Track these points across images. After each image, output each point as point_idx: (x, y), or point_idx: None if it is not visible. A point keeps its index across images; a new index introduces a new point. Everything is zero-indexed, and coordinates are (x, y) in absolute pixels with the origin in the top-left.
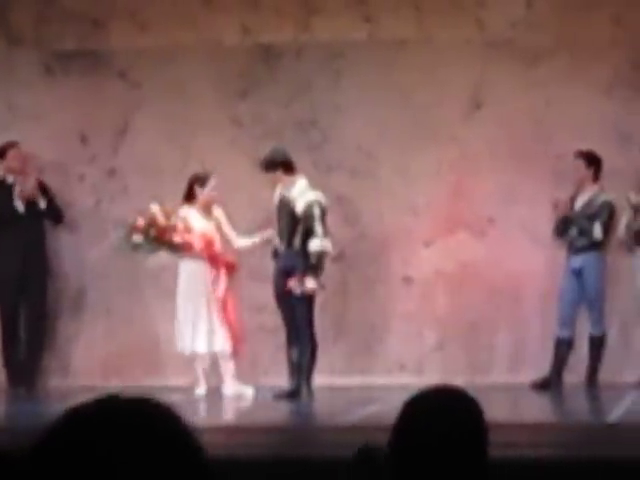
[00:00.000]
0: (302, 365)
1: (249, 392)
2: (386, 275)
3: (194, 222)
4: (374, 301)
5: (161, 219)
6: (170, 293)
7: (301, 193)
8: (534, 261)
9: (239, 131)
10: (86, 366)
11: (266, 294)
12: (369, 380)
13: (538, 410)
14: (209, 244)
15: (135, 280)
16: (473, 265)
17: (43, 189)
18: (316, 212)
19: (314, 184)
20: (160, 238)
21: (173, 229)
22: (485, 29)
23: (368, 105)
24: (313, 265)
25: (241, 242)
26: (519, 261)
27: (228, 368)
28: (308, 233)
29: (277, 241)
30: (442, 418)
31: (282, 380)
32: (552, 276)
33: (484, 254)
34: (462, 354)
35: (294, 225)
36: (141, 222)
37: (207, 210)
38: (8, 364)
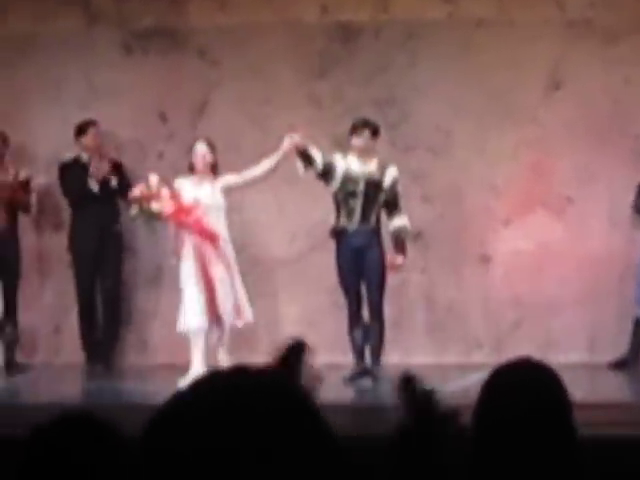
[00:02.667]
0: (382, 345)
1: None
2: (464, 254)
3: (185, 190)
4: (452, 280)
5: (150, 188)
6: (247, 268)
7: (383, 167)
8: (612, 240)
9: (318, 110)
10: (164, 343)
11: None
12: (446, 359)
13: (615, 390)
14: (180, 211)
15: None
16: (551, 244)
17: (117, 168)
18: (400, 188)
19: (393, 163)
20: (143, 207)
21: (156, 196)
22: (564, 9)
23: (446, 84)
24: (403, 242)
25: (258, 168)
26: (597, 240)
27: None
28: (388, 209)
29: (342, 219)
30: (526, 390)
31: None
32: (630, 256)
33: (562, 233)
34: (540, 333)
35: (375, 200)
36: (137, 193)
37: (206, 178)
38: (86, 341)
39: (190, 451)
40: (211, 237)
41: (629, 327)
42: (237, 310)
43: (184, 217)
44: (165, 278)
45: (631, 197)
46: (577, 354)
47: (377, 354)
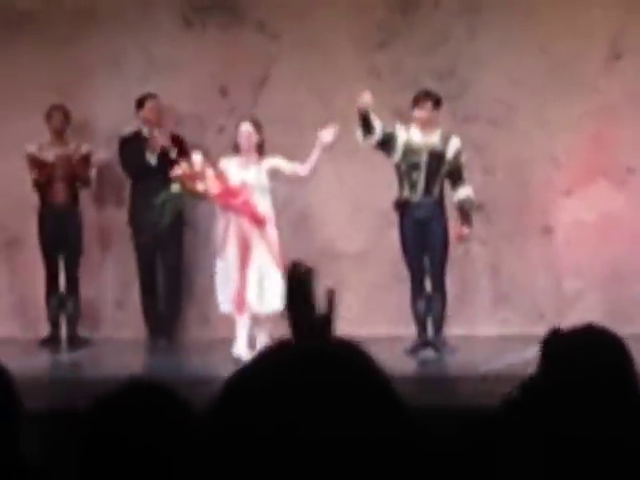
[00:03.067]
0: (444, 316)
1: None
2: (526, 225)
3: (231, 170)
4: (514, 251)
5: (194, 168)
6: (306, 238)
7: (446, 138)
8: None
9: (377, 82)
10: (225, 317)
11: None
12: (509, 330)
13: None
14: (227, 193)
15: None
16: (613, 215)
17: (177, 141)
18: (464, 159)
19: (455, 134)
20: (186, 186)
21: (200, 176)
22: None
23: (507, 55)
24: (468, 213)
25: (306, 165)
26: None
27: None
28: (452, 180)
29: (405, 191)
30: (590, 356)
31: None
32: None
33: (624, 204)
34: (603, 305)
35: (438, 171)
36: (179, 172)
37: (252, 159)
38: (148, 316)
39: (259, 424)
40: (259, 220)
41: None
42: (261, 298)
43: (231, 199)
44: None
45: None
46: None
47: (439, 325)
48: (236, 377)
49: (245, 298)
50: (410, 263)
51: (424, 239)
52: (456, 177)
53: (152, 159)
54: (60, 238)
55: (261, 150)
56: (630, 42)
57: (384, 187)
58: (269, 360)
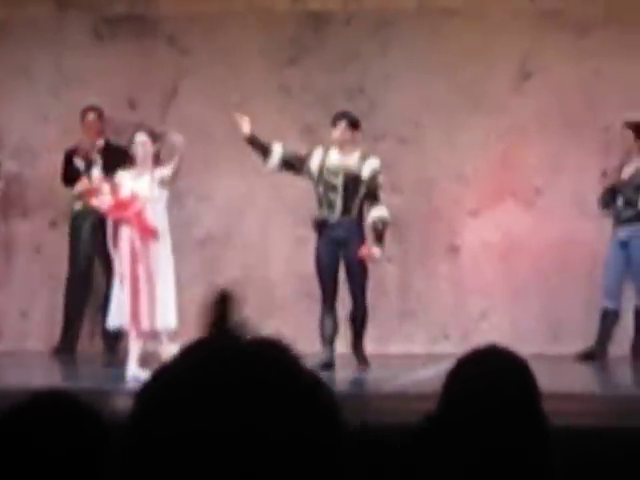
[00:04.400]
0: (363, 333)
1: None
2: (433, 244)
3: (125, 182)
4: (420, 270)
5: (92, 183)
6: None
7: (363, 159)
8: (581, 231)
9: (287, 98)
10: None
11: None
12: (414, 348)
13: (582, 381)
14: (118, 206)
15: None
16: (520, 235)
17: (106, 149)
18: (381, 179)
19: (372, 155)
20: (87, 201)
21: (96, 191)
22: (535, 0)
23: (417, 74)
24: (381, 233)
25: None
26: (566, 231)
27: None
28: (368, 201)
29: (323, 211)
30: (494, 378)
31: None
32: (599, 246)
33: (531, 224)
34: (507, 324)
35: (355, 192)
36: (80, 188)
37: (146, 169)
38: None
39: (177, 433)
40: (150, 232)
41: (597, 318)
42: (152, 315)
43: (122, 211)
44: None
45: (599, 188)
46: (544, 345)
47: (359, 343)
48: (152, 381)
49: (138, 314)
50: (323, 281)
51: (340, 258)
52: (371, 197)
53: (80, 165)
54: None
55: (157, 161)
56: (539, 63)
57: (293, 204)
58: (185, 361)
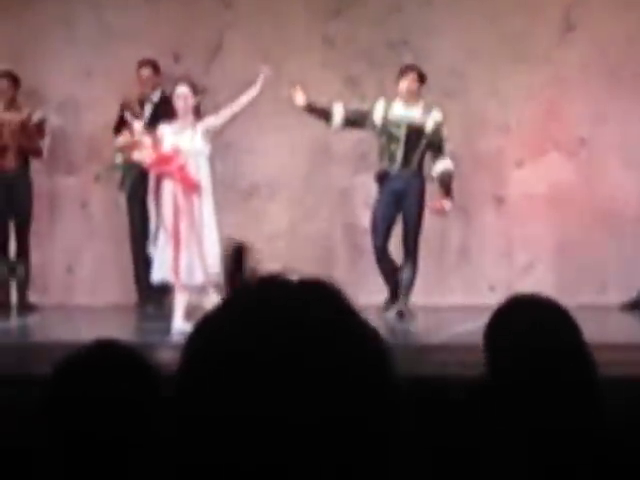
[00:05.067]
0: (412, 285)
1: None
2: (478, 195)
3: (166, 137)
4: (465, 221)
5: (134, 137)
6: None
7: (427, 111)
8: (626, 182)
9: (331, 51)
10: None
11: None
12: (459, 300)
13: (627, 331)
14: (160, 160)
15: None
16: (564, 186)
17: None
18: (445, 132)
19: (437, 107)
20: (126, 155)
21: (137, 145)
22: None
23: (460, 26)
24: (448, 185)
25: (236, 105)
26: (610, 182)
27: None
28: (432, 153)
29: (384, 163)
30: (538, 328)
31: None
32: None
33: (575, 175)
34: (552, 275)
35: (417, 144)
36: (121, 142)
37: (188, 123)
38: (139, 282)
39: (228, 383)
40: (192, 186)
41: None
42: (196, 268)
43: (165, 166)
44: None
45: None
46: (589, 295)
47: (407, 293)
48: (195, 333)
49: (179, 268)
50: (376, 233)
51: (399, 210)
52: (435, 150)
53: (130, 118)
54: (10, 204)
55: (198, 113)
56: (582, 13)
57: (336, 158)
58: (227, 310)
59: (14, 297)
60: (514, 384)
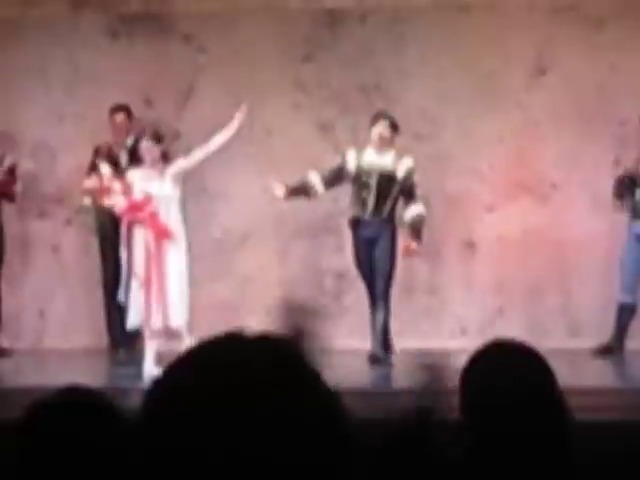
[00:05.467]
0: (387, 329)
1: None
2: (449, 239)
3: (136, 183)
4: (437, 265)
5: (102, 181)
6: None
7: (399, 158)
8: (597, 226)
9: (303, 95)
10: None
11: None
12: (431, 343)
13: (599, 376)
14: (133, 207)
15: None
16: (536, 230)
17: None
18: (416, 178)
19: (409, 153)
20: (96, 200)
21: (107, 190)
22: None
23: (432, 70)
24: (419, 229)
25: (211, 145)
26: (582, 226)
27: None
28: (405, 199)
29: (356, 209)
30: (512, 372)
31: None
32: (615, 241)
33: (547, 219)
34: (523, 319)
35: (389, 191)
36: (89, 185)
37: (156, 170)
38: (111, 327)
39: (183, 438)
40: (165, 233)
41: (613, 313)
42: (165, 313)
43: (136, 213)
44: None
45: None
46: (560, 339)
47: (383, 341)
48: (157, 384)
49: (151, 314)
50: (363, 278)
51: (372, 256)
52: (408, 196)
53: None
54: None
55: (166, 158)
56: (554, 58)
57: (309, 201)
58: (188, 361)
59: None
60: (486, 426)
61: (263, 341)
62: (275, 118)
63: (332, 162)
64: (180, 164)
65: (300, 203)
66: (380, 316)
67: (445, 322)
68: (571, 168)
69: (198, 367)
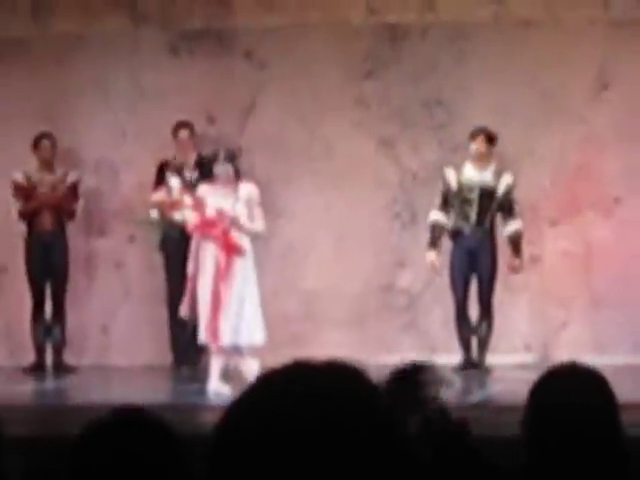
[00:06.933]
0: (489, 341)
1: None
2: None
3: (208, 199)
4: (501, 279)
5: (172, 195)
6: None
7: (498, 174)
8: None
9: (364, 111)
10: None
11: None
12: (495, 359)
13: None
14: (205, 224)
15: None
16: (599, 245)
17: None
18: (515, 194)
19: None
20: (165, 213)
21: (177, 204)
22: (610, 8)
23: (493, 85)
24: (518, 244)
25: (248, 226)
26: None
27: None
28: (503, 214)
29: (459, 222)
30: (575, 396)
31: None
32: None
33: (610, 233)
34: (588, 334)
35: (489, 206)
36: (158, 198)
37: (229, 188)
38: (175, 344)
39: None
40: (236, 249)
41: None
42: (237, 331)
43: (209, 229)
44: None
45: None
46: (625, 355)
47: (484, 350)
48: (231, 413)
49: (217, 330)
50: (456, 289)
51: (473, 268)
52: (506, 211)
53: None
54: (46, 265)
55: (238, 177)
56: (616, 72)
57: (370, 218)
58: (256, 396)
59: (50, 358)
60: (548, 443)
61: (333, 370)
62: (336, 134)
63: (393, 178)
64: (252, 198)
65: (361, 220)
66: (486, 328)
67: (509, 337)
68: (634, 182)
69: (274, 397)
